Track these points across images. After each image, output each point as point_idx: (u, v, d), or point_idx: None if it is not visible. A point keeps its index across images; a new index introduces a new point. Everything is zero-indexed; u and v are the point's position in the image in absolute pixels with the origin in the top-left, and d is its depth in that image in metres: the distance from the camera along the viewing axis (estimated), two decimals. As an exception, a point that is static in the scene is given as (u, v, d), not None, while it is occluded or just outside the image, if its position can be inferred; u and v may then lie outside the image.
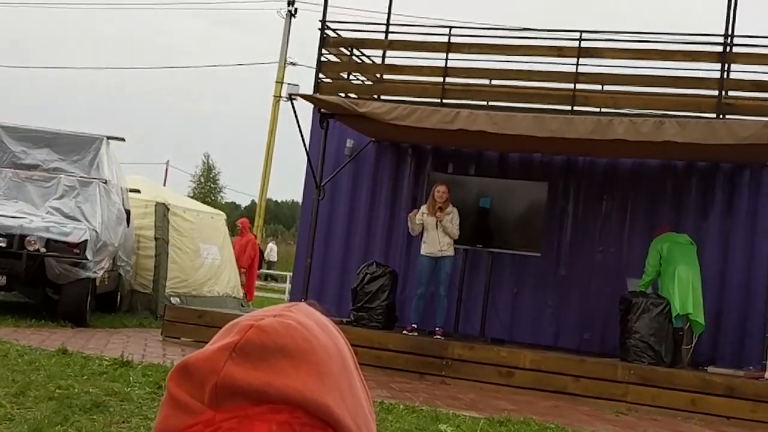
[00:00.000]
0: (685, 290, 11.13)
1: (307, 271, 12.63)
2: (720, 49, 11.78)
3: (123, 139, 14.89)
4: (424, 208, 11.95)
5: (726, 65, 11.65)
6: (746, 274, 12.15)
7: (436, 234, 11.72)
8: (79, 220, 12.61)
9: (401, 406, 8.05)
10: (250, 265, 18.69)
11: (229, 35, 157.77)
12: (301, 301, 1.01)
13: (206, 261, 17.16)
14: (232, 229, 20.12)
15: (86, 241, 12.24)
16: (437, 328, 11.76)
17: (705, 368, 11.05)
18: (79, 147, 13.82)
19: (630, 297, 11.27)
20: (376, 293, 11.92)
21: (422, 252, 11.93)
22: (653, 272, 11.54)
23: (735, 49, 11.80)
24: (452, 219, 11.80)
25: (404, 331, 11.68)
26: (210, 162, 62.94)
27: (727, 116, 11.28)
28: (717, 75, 11.65)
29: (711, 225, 12.53)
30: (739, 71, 11.88)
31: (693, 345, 11.43)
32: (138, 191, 15.61)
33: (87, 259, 12.22)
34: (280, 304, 0.98)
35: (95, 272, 12.48)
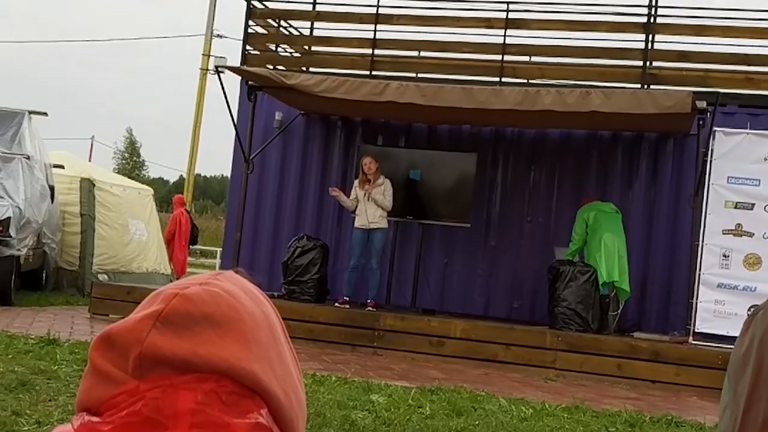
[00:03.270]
0: (611, 258, 11.33)
1: (237, 246, 12.55)
2: (644, 20, 11.95)
3: (45, 114, 14.58)
4: (356, 182, 11.95)
5: (650, 36, 11.82)
6: (671, 242, 12.40)
7: (367, 206, 11.73)
8: (1, 197, 12.32)
9: (333, 378, 8.07)
10: (170, 240, 18.40)
11: (151, 7, 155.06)
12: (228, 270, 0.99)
13: (135, 237, 16.93)
14: (161, 205, 19.88)
15: (9, 218, 11.98)
16: (369, 300, 11.80)
17: (631, 334, 11.28)
18: (1, 122, 13.47)
19: (558, 266, 11.43)
20: (307, 266, 11.89)
21: (355, 224, 11.95)
22: (580, 241, 11.72)
23: (659, 20, 11.99)
24: (384, 191, 11.81)
25: (336, 304, 11.70)
26: (133, 136, 62.00)
27: (651, 86, 11.47)
28: (642, 46, 11.82)
29: (636, 193, 12.75)
30: (663, 42, 12.08)
31: (619, 312, 11.66)
32: (62, 167, 15.29)
33: (10, 236, 11.97)
34: (206, 273, 0.96)
35: (19, 250, 12.23)
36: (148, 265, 17.38)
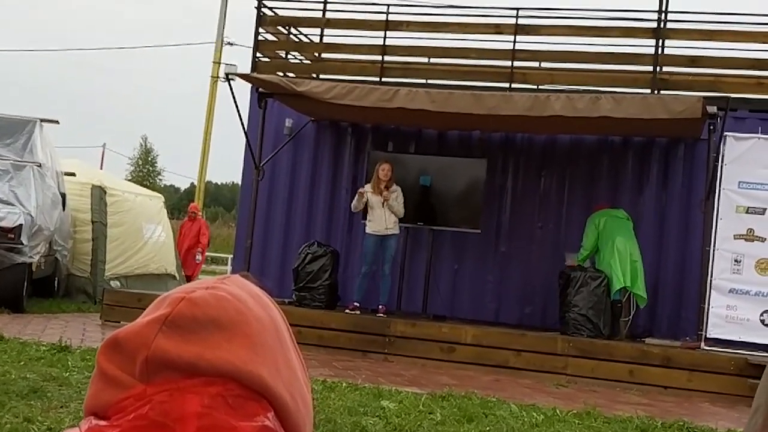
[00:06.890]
0: (624, 263, 11.30)
1: (248, 253, 12.57)
2: (654, 25, 11.93)
3: (57, 122, 14.63)
4: (368, 186, 11.95)
5: (660, 41, 11.81)
6: (682, 247, 12.37)
7: (383, 212, 11.73)
8: (13, 205, 12.36)
9: (344, 384, 8.06)
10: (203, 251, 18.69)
11: (163, 14, 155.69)
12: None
13: (151, 239, 17.00)
14: (172, 212, 19.96)
15: (21, 225, 12.01)
16: (380, 306, 11.79)
17: (642, 340, 11.24)
18: (12, 130, 13.53)
19: (569, 271, 11.42)
20: (317, 273, 11.90)
21: (368, 231, 11.91)
22: (591, 246, 11.69)
23: (669, 25, 11.98)
24: (397, 197, 11.82)
25: (347, 310, 11.70)
26: (148, 144, 62.09)
27: (661, 91, 11.45)
28: (652, 51, 11.80)
29: (647, 199, 12.72)
30: (673, 47, 12.06)
31: (631, 317, 11.63)
32: (73, 174, 15.34)
33: (22, 243, 12.00)
34: (212, 277, 0.97)
35: (31, 257, 12.26)
36: (163, 268, 17.45)
